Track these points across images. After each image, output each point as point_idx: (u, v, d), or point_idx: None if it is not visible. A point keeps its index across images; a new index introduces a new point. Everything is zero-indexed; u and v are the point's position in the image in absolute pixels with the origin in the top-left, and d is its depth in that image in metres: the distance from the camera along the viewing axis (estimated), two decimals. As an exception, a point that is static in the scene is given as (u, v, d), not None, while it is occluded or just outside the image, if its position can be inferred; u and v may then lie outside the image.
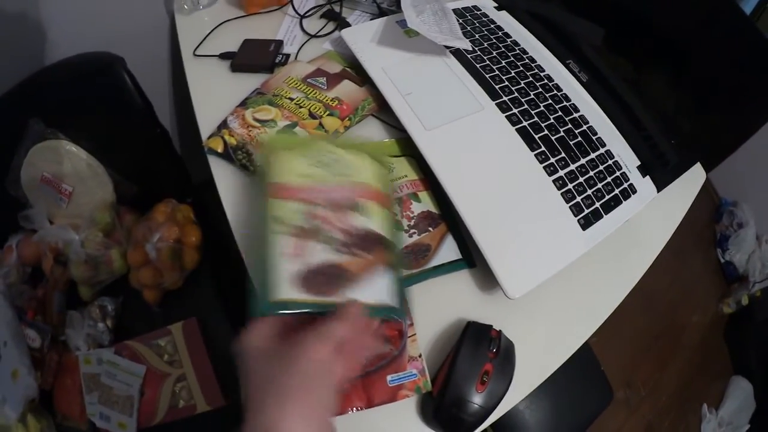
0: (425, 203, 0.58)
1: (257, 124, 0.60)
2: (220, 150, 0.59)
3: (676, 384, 1.44)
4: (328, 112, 0.62)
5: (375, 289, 0.40)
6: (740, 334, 1.54)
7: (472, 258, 0.56)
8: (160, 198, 0.84)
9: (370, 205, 0.45)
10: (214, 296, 0.84)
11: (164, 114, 1.06)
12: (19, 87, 0.80)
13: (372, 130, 0.66)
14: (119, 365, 0.76)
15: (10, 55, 0.78)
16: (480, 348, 0.47)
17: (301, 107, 0.62)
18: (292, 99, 0.62)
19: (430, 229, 0.56)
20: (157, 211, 0.81)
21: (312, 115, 0.61)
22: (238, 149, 0.59)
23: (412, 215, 0.56)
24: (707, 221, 1.77)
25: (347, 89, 0.65)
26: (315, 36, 0.76)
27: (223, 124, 0.61)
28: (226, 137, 0.59)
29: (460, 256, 0.55)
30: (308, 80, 0.65)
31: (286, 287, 0.37)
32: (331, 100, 0.63)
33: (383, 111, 0.65)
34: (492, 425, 0.51)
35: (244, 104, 0.63)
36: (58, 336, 0.81)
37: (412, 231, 0.55)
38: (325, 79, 0.65)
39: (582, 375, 0.87)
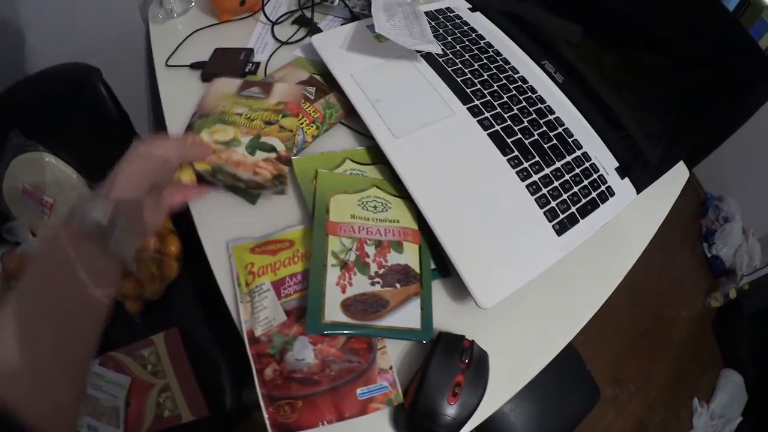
0: (407, 257, 0.54)
1: (221, 147, 0.57)
2: (193, 180, 0.56)
3: (666, 379, 1.44)
4: (281, 115, 0.60)
5: (406, 315, 0.50)
6: (729, 327, 1.55)
7: (446, 267, 0.55)
8: (138, 209, 0.83)
9: (408, 245, 0.55)
10: (195, 306, 0.83)
11: (141, 123, 1.05)
12: (-4, 99, 0.79)
13: (341, 139, 0.65)
14: (104, 376, 0.76)
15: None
16: (451, 359, 0.47)
17: (252, 120, 0.60)
18: (240, 114, 0.61)
19: (398, 285, 0.52)
20: (135, 222, 0.81)
21: (268, 122, 0.60)
22: (217, 172, 0.56)
23: (384, 263, 0.53)
24: (693, 216, 1.78)
25: (282, 89, 0.64)
26: (286, 43, 0.75)
27: None
28: (196, 165, 0.56)
29: (419, 326, 0.50)
30: (242, 93, 0.64)
31: (335, 311, 0.48)
32: (275, 105, 0.62)
33: (351, 118, 0.65)
34: (477, 428, 0.51)
35: (190, 130, 0.60)
36: (42, 349, 0.80)
37: (376, 281, 0.51)
38: (258, 88, 0.64)
39: (567, 375, 0.87)
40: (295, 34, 0.76)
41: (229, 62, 0.69)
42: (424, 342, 0.50)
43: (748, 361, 1.48)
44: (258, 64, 0.71)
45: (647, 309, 1.52)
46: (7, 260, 0.84)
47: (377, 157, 0.60)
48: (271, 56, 0.73)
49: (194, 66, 0.71)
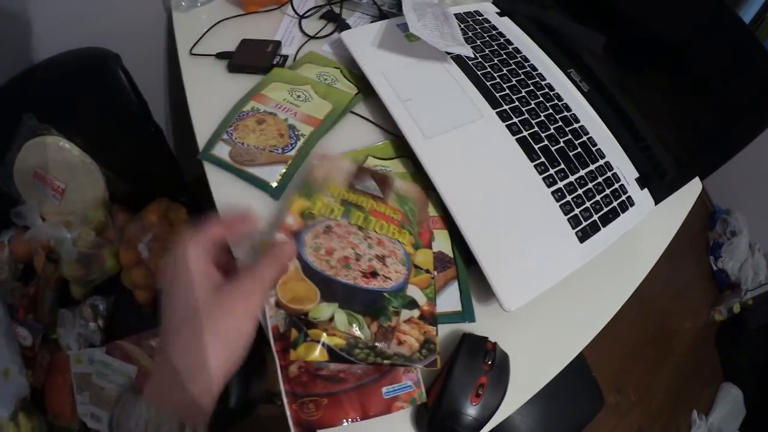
0: (439, 244, 0.54)
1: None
2: (324, 358, 0.43)
3: (667, 390, 1.44)
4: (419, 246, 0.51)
5: (447, 299, 0.52)
6: (731, 341, 1.55)
7: (469, 255, 0.54)
8: (153, 197, 0.83)
9: (438, 231, 0.55)
10: (207, 297, 0.83)
11: (159, 112, 1.05)
12: (13, 82, 0.79)
13: (357, 130, 0.64)
14: (110, 365, 0.75)
15: (5, 50, 0.76)
16: (475, 360, 0.47)
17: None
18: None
19: (436, 273, 0.52)
20: (150, 211, 0.81)
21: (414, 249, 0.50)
22: (353, 347, 0.43)
23: None
24: (701, 228, 1.78)
25: (403, 189, 0.55)
26: (314, 37, 0.74)
27: (297, 321, 0.44)
28: (325, 339, 0.43)
29: (459, 308, 0.52)
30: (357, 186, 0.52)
31: None
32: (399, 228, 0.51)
33: (360, 105, 0.66)
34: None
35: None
36: (49, 334, 0.80)
37: None
38: (372, 182, 0.53)
39: (573, 381, 0.87)
40: (323, 29, 0.76)
41: (256, 54, 0.69)
42: (467, 322, 0.51)
43: (749, 377, 1.48)
44: (286, 57, 0.71)
45: (652, 318, 1.52)
46: (15, 244, 0.84)
47: (398, 150, 0.61)
48: (299, 50, 0.72)
49: (220, 56, 0.70)
